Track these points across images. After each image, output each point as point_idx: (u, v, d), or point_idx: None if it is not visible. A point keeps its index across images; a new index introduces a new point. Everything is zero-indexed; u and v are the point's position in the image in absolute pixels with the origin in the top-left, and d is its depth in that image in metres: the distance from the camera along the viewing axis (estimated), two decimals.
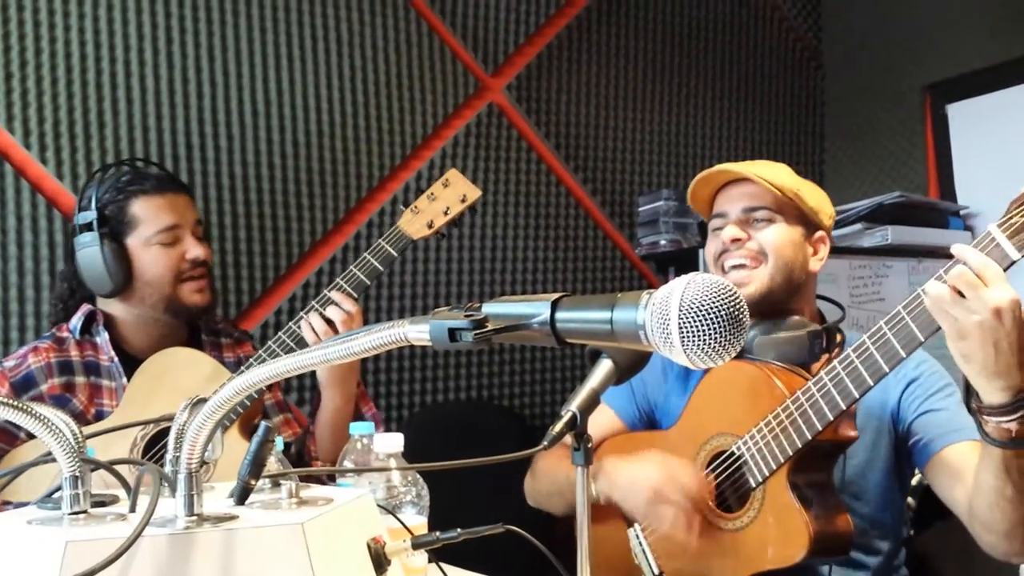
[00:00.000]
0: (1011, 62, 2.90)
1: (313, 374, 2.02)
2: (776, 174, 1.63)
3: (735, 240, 1.62)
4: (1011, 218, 1.18)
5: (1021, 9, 2.90)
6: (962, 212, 3.02)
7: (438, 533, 0.96)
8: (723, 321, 0.67)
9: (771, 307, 1.62)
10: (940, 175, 3.15)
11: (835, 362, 1.39)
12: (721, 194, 1.70)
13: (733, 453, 1.50)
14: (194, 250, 1.82)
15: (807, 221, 1.65)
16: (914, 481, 1.74)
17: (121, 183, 1.81)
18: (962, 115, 3.09)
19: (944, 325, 1.20)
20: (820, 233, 1.67)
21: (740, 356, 1.58)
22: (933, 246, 2.96)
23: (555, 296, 0.76)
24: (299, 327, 1.79)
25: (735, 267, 1.64)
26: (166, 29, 2.39)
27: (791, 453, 1.42)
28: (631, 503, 1.52)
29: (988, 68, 2.97)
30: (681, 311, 0.68)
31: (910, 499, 1.77)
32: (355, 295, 1.80)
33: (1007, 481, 1.27)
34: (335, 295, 1.79)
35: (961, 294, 1.16)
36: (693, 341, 0.67)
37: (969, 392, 1.28)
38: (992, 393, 1.20)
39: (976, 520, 1.37)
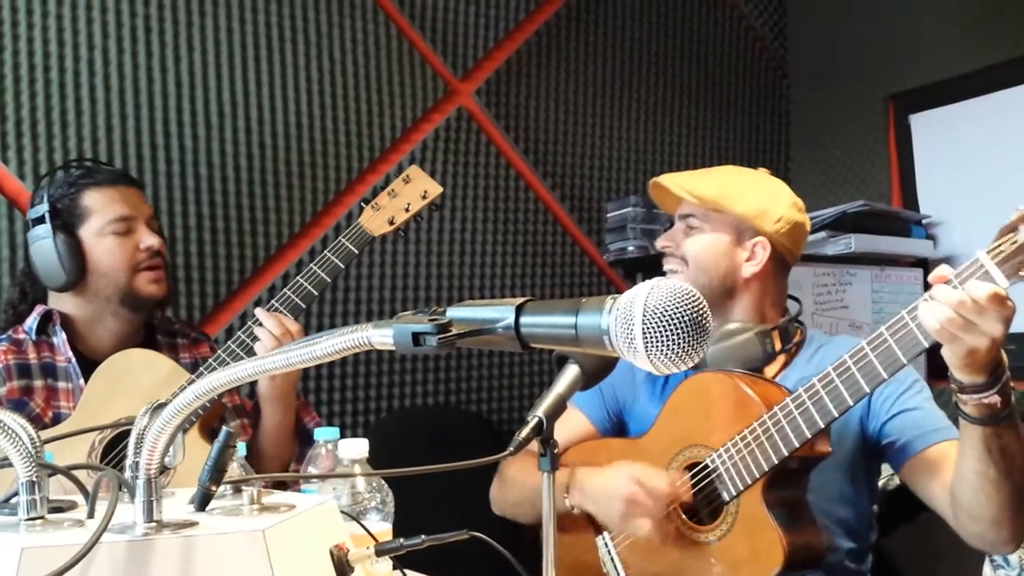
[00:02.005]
0: (973, 73, 2.95)
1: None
2: (700, 183, 1.68)
3: (664, 247, 1.73)
4: (1000, 245, 1.16)
5: (984, 21, 2.95)
6: (924, 221, 3.07)
7: (402, 540, 0.96)
8: (687, 326, 0.68)
9: None
10: (903, 184, 3.19)
11: (814, 379, 1.40)
12: None
13: (707, 465, 1.50)
14: (148, 239, 1.80)
15: (739, 227, 1.67)
16: (880, 483, 1.76)
17: (73, 177, 1.81)
18: (925, 125, 3.13)
19: (954, 347, 1.19)
20: (758, 239, 1.67)
21: (696, 369, 1.59)
22: (896, 254, 3.00)
23: (520, 301, 0.75)
24: (249, 336, 1.78)
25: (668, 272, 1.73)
26: (131, 28, 2.36)
27: (766, 468, 1.42)
28: (605, 514, 1.53)
29: (951, 79, 3.02)
30: (645, 316, 0.68)
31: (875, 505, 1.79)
32: (303, 305, 1.80)
33: (989, 463, 1.27)
34: (265, 319, 1.76)
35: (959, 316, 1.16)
36: (657, 346, 0.68)
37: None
38: (975, 375, 1.21)
39: (962, 511, 1.37)
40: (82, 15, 2.30)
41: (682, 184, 1.69)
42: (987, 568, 1.76)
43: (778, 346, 1.60)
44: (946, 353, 1.21)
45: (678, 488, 1.49)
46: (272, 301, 1.80)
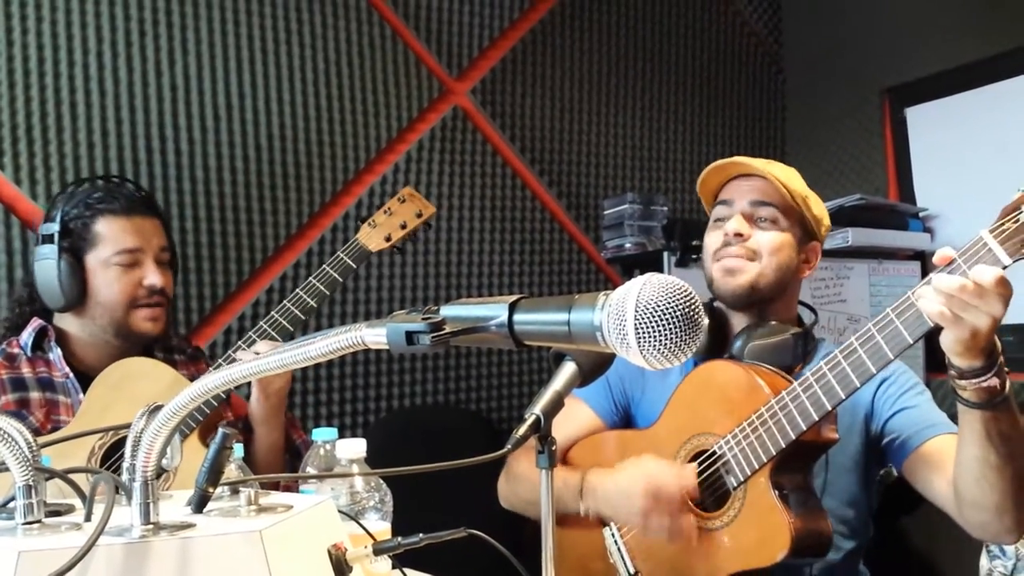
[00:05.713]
0: (968, 66, 2.95)
1: None
2: (789, 177, 1.65)
3: (738, 234, 1.62)
4: (1003, 224, 1.18)
5: (979, 13, 2.95)
6: (921, 214, 3.06)
7: (400, 538, 0.96)
8: (679, 322, 0.68)
9: (755, 304, 1.63)
10: (899, 178, 3.19)
11: (821, 362, 1.40)
12: (730, 184, 1.69)
13: (714, 452, 1.50)
14: (152, 277, 1.78)
15: (806, 229, 1.67)
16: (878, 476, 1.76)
17: (92, 199, 1.78)
18: (920, 118, 3.13)
19: (956, 330, 1.19)
20: (815, 243, 1.68)
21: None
22: (893, 247, 3.00)
23: (513, 298, 0.75)
24: (258, 338, 1.80)
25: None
26: (125, 33, 2.36)
27: (774, 453, 1.42)
28: (622, 517, 1.54)
29: (945, 72, 3.02)
30: (637, 312, 0.68)
31: None
32: (303, 317, 1.83)
33: (990, 448, 1.27)
34: (259, 345, 1.79)
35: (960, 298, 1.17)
36: (649, 342, 0.68)
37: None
38: (973, 360, 1.22)
39: (964, 502, 1.37)
40: (76, 20, 2.30)
41: (773, 172, 1.62)
42: (984, 558, 1.76)
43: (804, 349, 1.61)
44: (946, 338, 1.21)
45: (689, 482, 1.49)
46: (272, 312, 1.81)
